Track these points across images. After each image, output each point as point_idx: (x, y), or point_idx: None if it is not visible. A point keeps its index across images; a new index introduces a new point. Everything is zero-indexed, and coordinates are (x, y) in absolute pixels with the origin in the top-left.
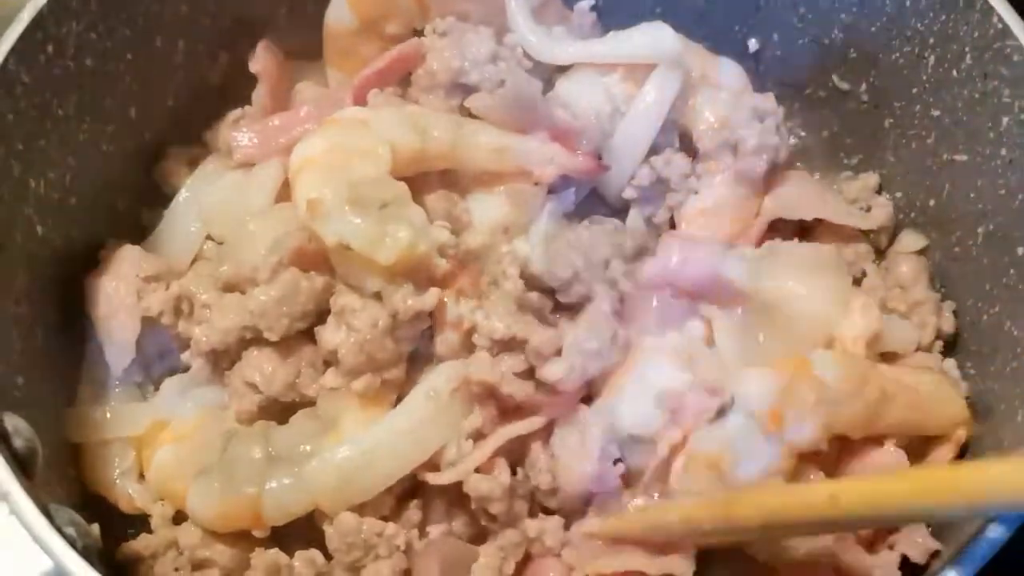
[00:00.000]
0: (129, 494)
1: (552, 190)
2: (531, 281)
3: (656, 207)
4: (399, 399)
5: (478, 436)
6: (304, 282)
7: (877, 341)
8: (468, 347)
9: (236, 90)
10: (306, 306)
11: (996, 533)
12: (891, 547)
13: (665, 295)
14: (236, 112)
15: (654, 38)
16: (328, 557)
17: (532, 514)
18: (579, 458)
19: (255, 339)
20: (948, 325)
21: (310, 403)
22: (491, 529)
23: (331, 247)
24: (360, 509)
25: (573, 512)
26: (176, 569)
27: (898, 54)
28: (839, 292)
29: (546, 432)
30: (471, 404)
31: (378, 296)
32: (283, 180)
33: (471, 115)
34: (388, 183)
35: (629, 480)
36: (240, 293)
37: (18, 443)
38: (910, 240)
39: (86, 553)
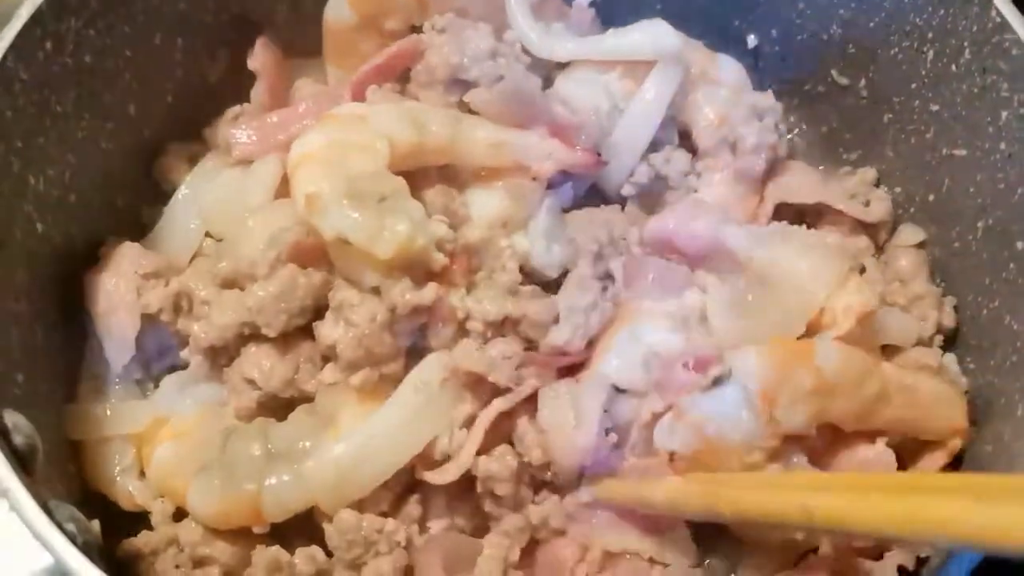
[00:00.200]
0: (129, 491)
1: (551, 185)
2: (530, 276)
3: (654, 204)
4: None
5: (470, 424)
6: (302, 278)
7: (869, 323)
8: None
9: (235, 87)
10: (304, 302)
11: None
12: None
13: (664, 262)
14: (235, 109)
15: (653, 35)
16: (329, 554)
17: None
18: (571, 430)
19: (254, 335)
20: (949, 320)
21: (309, 399)
22: (494, 515)
23: (329, 241)
24: (359, 506)
25: (568, 484)
26: (177, 566)
27: (897, 49)
28: (838, 273)
29: (531, 406)
30: (462, 393)
31: (376, 291)
32: (282, 176)
33: (470, 111)
34: (386, 177)
35: (618, 438)
36: (239, 289)
37: (18, 439)
38: (909, 233)
39: (86, 549)
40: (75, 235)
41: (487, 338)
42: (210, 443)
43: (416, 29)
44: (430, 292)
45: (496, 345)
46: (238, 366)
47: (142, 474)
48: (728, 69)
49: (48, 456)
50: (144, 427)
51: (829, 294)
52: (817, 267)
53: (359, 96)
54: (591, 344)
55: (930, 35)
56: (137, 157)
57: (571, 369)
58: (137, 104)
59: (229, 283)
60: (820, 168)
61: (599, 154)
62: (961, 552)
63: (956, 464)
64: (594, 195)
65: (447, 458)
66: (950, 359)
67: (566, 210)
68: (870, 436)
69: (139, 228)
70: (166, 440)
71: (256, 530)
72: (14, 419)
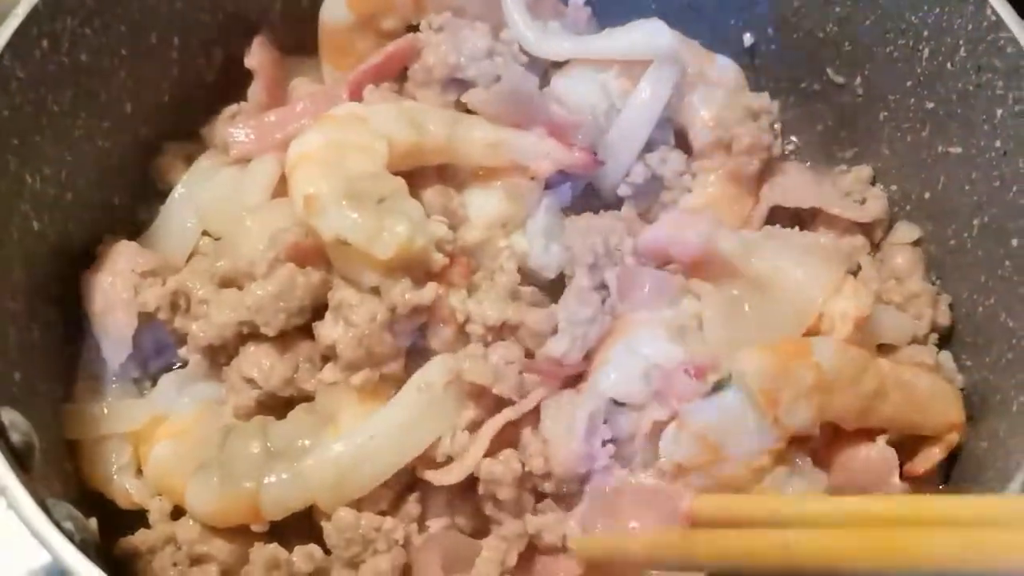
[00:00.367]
0: (127, 490)
1: (548, 185)
2: (528, 276)
3: (650, 203)
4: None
5: (474, 427)
6: (301, 277)
7: (866, 325)
8: (462, 340)
9: (232, 86)
10: (303, 301)
11: None
12: None
13: (658, 272)
14: (232, 108)
15: (650, 34)
16: (327, 552)
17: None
18: (567, 438)
19: (252, 334)
20: (944, 318)
21: (308, 398)
22: (495, 519)
23: (328, 242)
24: (358, 504)
25: (571, 495)
26: (174, 564)
27: (892, 47)
28: (833, 278)
29: (535, 417)
30: (465, 397)
31: (376, 291)
32: (279, 176)
33: (467, 110)
34: (385, 178)
35: (620, 451)
36: (237, 288)
37: (15, 437)
38: (905, 231)
39: (84, 547)
40: (72, 234)
41: (487, 342)
42: (208, 441)
43: (413, 28)
44: (430, 292)
45: (497, 350)
46: (237, 365)
47: (139, 472)
48: (724, 69)
49: (45, 454)
50: (141, 425)
51: (825, 299)
52: (813, 273)
53: (356, 96)
54: (588, 356)
55: (925, 33)
56: (134, 156)
57: (576, 379)
58: (133, 103)
59: (227, 282)
60: (816, 166)
61: (595, 154)
62: None
63: (952, 461)
64: (590, 195)
65: (449, 459)
66: (946, 356)
67: (565, 211)
68: (871, 435)
69: (136, 227)
70: (164, 438)
71: (254, 528)
72: (11, 417)
